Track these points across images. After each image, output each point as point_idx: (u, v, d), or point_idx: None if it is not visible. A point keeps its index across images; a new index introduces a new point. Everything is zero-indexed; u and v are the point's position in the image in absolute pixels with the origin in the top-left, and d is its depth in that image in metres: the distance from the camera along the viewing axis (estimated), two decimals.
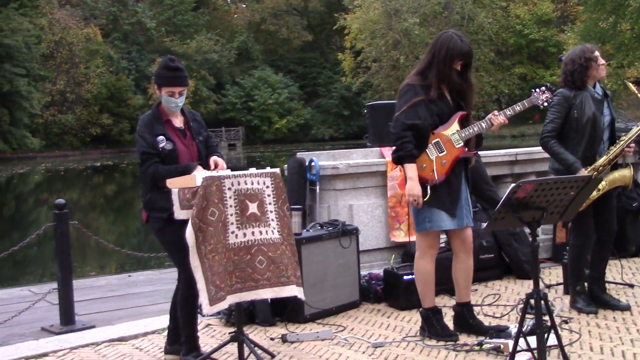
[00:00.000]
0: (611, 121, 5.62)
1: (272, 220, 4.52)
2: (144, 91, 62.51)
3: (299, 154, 7.24)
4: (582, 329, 5.08)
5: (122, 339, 5.42)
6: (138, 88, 63.92)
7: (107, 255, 13.51)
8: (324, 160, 7.02)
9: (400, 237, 6.97)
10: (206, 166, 4.63)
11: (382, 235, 7.02)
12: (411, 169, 4.78)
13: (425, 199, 4.80)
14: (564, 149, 5.46)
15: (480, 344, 4.72)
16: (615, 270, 6.60)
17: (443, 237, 5.24)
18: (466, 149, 4.90)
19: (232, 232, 4.37)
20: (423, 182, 4.80)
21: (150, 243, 12.61)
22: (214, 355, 4.66)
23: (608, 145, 5.57)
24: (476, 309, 5.32)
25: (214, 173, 4.43)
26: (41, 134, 57.54)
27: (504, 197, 4.09)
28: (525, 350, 4.35)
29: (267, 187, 4.54)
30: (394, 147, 4.87)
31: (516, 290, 6.37)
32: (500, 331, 4.86)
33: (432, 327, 5.02)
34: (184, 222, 4.28)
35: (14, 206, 26.82)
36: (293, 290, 4.52)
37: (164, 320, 5.19)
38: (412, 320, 5.55)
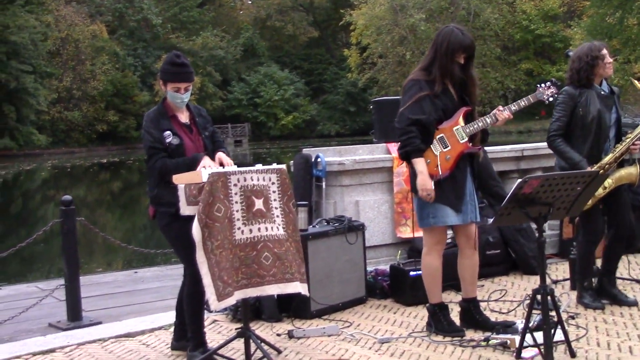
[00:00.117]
0: (617, 119, 5.61)
1: (278, 216, 4.52)
2: (150, 88, 62.53)
3: (305, 150, 7.25)
4: (588, 325, 5.08)
5: (128, 335, 5.44)
6: (144, 85, 63.94)
7: (114, 252, 13.54)
8: (330, 156, 7.02)
9: (406, 232, 6.97)
10: (213, 160, 4.63)
11: (388, 231, 7.02)
12: (420, 163, 4.77)
13: None
14: (570, 147, 5.45)
15: (486, 339, 4.72)
16: (622, 266, 6.56)
17: (450, 233, 5.23)
18: (470, 144, 4.89)
19: (239, 228, 4.37)
20: None
21: (157, 239, 12.63)
22: (220, 351, 4.67)
23: (614, 143, 5.55)
24: (483, 305, 5.31)
25: (220, 169, 4.43)
26: (48, 131, 57.65)
27: (511, 192, 4.09)
28: (532, 346, 4.36)
29: (273, 183, 4.54)
30: (400, 143, 4.86)
31: (523, 285, 6.37)
32: (507, 327, 4.85)
33: (438, 322, 5.02)
34: (191, 218, 4.28)
35: (21, 203, 26.89)
36: (297, 287, 4.53)
37: (170, 316, 5.20)
38: (419, 316, 5.55)
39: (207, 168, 4.42)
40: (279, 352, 4.80)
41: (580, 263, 5.65)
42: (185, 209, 4.35)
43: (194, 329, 4.67)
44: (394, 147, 6.94)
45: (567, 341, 4.37)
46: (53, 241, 13.18)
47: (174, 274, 7.91)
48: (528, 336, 4.35)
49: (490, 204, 6.98)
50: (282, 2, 74.38)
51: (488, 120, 4.90)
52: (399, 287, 6.00)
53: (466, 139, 4.86)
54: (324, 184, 6.92)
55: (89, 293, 7.14)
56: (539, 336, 4.25)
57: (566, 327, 4.45)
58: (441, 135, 4.85)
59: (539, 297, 4.25)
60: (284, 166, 4.64)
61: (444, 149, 4.83)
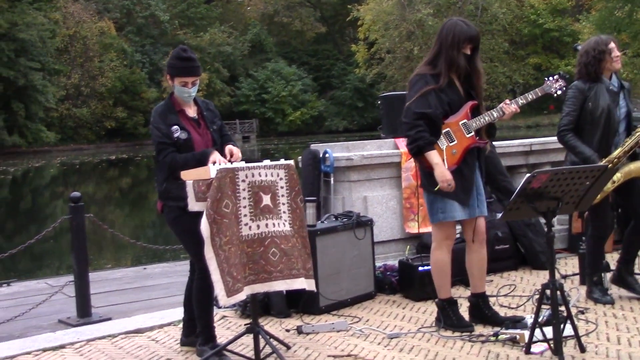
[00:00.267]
0: (627, 113, 5.58)
1: (284, 212, 4.51)
2: (157, 84, 62.65)
3: (313, 146, 7.24)
4: (598, 320, 5.06)
5: (138, 331, 5.45)
6: (152, 81, 64.08)
7: (123, 248, 13.59)
8: (338, 151, 7.01)
9: (414, 228, 6.96)
10: (222, 154, 4.63)
11: (396, 226, 7.01)
12: (434, 155, 4.75)
13: (435, 189, 4.79)
14: (581, 141, 5.43)
15: (496, 334, 4.71)
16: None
17: (459, 227, 5.22)
18: (477, 138, 4.88)
19: (246, 224, 4.37)
20: (433, 172, 4.77)
21: (166, 236, 12.66)
22: (230, 347, 4.67)
23: (624, 137, 5.52)
24: (492, 300, 5.30)
25: (229, 165, 4.43)
26: (56, 128, 57.88)
27: (519, 187, 4.08)
28: (542, 341, 4.35)
29: (281, 179, 4.53)
30: (408, 138, 4.84)
31: (532, 280, 6.35)
32: (516, 322, 4.84)
33: (447, 318, 5.01)
34: (199, 213, 4.28)
35: (30, 200, 27.02)
36: (302, 283, 4.52)
37: (179, 312, 5.21)
38: (428, 311, 5.54)
39: (216, 164, 4.41)
40: (288, 347, 4.80)
41: (589, 257, 5.63)
42: (193, 205, 4.35)
43: (203, 323, 4.67)
44: (402, 143, 6.93)
45: (576, 336, 4.35)
46: (62, 238, 13.24)
47: (183, 270, 7.89)
48: (537, 331, 4.34)
49: (498, 199, 6.96)
50: None
51: (495, 114, 4.89)
52: (408, 283, 5.99)
53: (472, 133, 4.85)
54: (332, 179, 6.92)
55: (98, 289, 7.16)
56: (549, 331, 4.24)
57: (576, 322, 4.43)
58: (447, 129, 4.83)
59: (548, 292, 4.24)
60: (291, 162, 4.63)
61: (450, 143, 4.82)
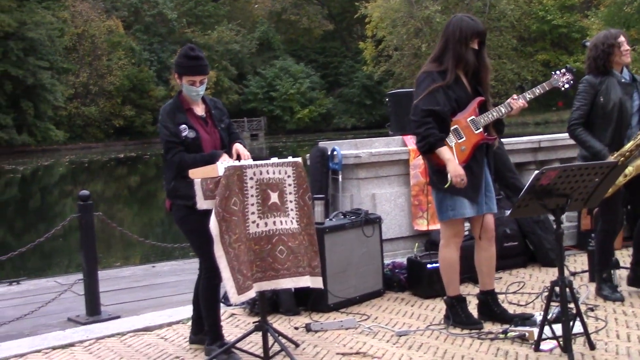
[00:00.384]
0: None
1: (292, 210, 4.51)
2: (165, 82, 62.75)
3: (321, 144, 7.24)
4: (608, 317, 5.04)
5: (147, 329, 5.46)
6: (160, 79, 64.17)
7: (132, 246, 13.62)
8: (346, 149, 7.01)
9: (423, 225, 6.96)
10: (230, 153, 4.64)
11: (405, 223, 7.00)
12: (445, 151, 4.74)
13: (446, 186, 4.77)
14: (592, 136, 5.40)
15: (505, 332, 4.70)
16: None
17: (467, 225, 5.21)
18: (486, 134, 4.86)
19: (253, 222, 4.37)
20: (443, 169, 4.77)
21: (174, 234, 12.66)
22: (238, 345, 4.68)
23: (637, 130, 5.48)
24: (501, 297, 5.29)
25: (237, 163, 4.43)
26: (65, 127, 58.00)
27: (528, 184, 4.06)
28: (551, 338, 4.34)
29: (289, 176, 4.53)
30: (417, 136, 4.83)
31: (541, 278, 6.34)
32: (525, 319, 4.83)
33: (456, 315, 5.01)
34: (207, 211, 4.28)
35: (39, 198, 27.09)
36: (307, 281, 4.52)
37: (188, 310, 5.22)
38: (436, 308, 5.54)
39: (224, 162, 4.41)
40: (297, 345, 4.80)
41: (598, 254, 5.61)
42: (202, 203, 4.35)
43: (210, 322, 4.68)
44: (410, 140, 6.92)
45: (586, 333, 4.34)
46: (71, 236, 13.27)
47: (192, 268, 7.92)
48: (546, 328, 4.33)
49: (507, 196, 6.94)
50: None
51: (503, 110, 4.87)
52: (417, 280, 5.98)
53: (481, 129, 4.84)
54: (340, 177, 6.92)
55: (108, 287, 7.18)
56: (558, 328, 4.23)
57: (585, 319, 4.42)
58: (455, 126, 4.82)
59: (557, 289, 4.23)
60: (299, 159, 4.62)
61: (459, 139, 4.81)
